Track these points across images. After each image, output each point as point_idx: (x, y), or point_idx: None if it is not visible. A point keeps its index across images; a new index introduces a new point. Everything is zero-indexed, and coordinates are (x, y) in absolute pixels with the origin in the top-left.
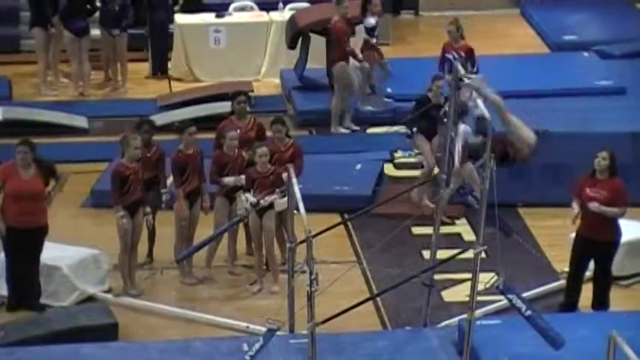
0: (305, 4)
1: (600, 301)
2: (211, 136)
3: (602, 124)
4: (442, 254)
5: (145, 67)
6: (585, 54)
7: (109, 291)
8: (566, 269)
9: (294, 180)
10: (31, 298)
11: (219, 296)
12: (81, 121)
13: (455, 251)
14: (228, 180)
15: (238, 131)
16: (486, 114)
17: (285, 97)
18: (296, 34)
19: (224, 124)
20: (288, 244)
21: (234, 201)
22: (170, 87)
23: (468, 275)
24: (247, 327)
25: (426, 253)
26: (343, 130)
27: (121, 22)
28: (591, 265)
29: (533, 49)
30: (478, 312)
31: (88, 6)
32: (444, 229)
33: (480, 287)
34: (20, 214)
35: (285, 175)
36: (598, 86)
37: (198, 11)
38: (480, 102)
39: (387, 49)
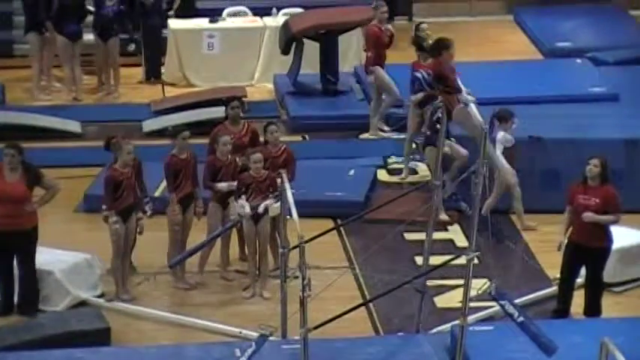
0: (299, 10)
1: (592, 308)
2: (204, 141)
3: (596, 131)
4: (435, 260)
5: (139, 72)
6: (578, 60)
7: (101, 296)
8: (559, 275)
9: (287, 185)
10: (24, 303)
11: (212, 301)
12: (74, 126)
13: (447, 257)
14: (222, 185)
15: (233, 136)
16: (482, 124)
17: (279, 102)
18: (290, 40)
19: (218, 130)
20: (280, 250)
21: (227, 206)
22: (163, 92)
23: (461, 281)
24: (240, 332)
25: (419, 259)
26: (383, 134)
27: (115, 28)
28: (583, 271)
29: (527, 55)
30: (471, 318)
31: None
32: (437, 235)
33: (473, 293)
34: (2, 217)
35: (279, 180)
36: (591, 93)
37: (192, 16)
38: (475, 112)
39: None
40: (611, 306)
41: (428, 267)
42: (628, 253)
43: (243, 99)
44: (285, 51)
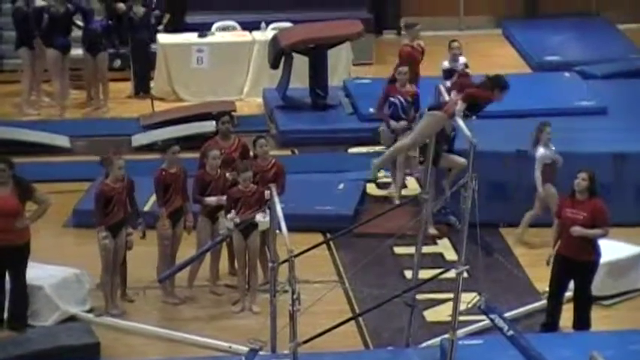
0: (288, 24)
1: (581, 321)
2: (194, 155)
3: (584, 145)
4: (424, 274)
5: (128, 87)
6: (567, 74)
7: (90, 311)
8: (548, 289)
9: (277, 199)
10: (13, 318)
11: (201, 316)
12: (63, 141)
13: (437, 271)
14: (211, 200)
15: (223, 151)
16: (472, 138)
17: (268, 116)
18: (279, 54)
19: (208, 144)
20: (270, 264)
21: (216, 220)
22: (152, 106)
23: (450, 295)
24: (230, 347)
25: (408, 273)
26: None
27: (103, 43)
28: (572, 285)
29: (515, 69)
30: (460, 332)
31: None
32: (426, 249)
33: (462, 307)
34: None
35: (268, 194)
36: (580, 106)
37: (181, 31)
38: (463, 127)
39: (369, 69)
40: (599, 319)
41: (417, 281)
42: (616, 267)
43: (233, 113)
44: (274, 65)
